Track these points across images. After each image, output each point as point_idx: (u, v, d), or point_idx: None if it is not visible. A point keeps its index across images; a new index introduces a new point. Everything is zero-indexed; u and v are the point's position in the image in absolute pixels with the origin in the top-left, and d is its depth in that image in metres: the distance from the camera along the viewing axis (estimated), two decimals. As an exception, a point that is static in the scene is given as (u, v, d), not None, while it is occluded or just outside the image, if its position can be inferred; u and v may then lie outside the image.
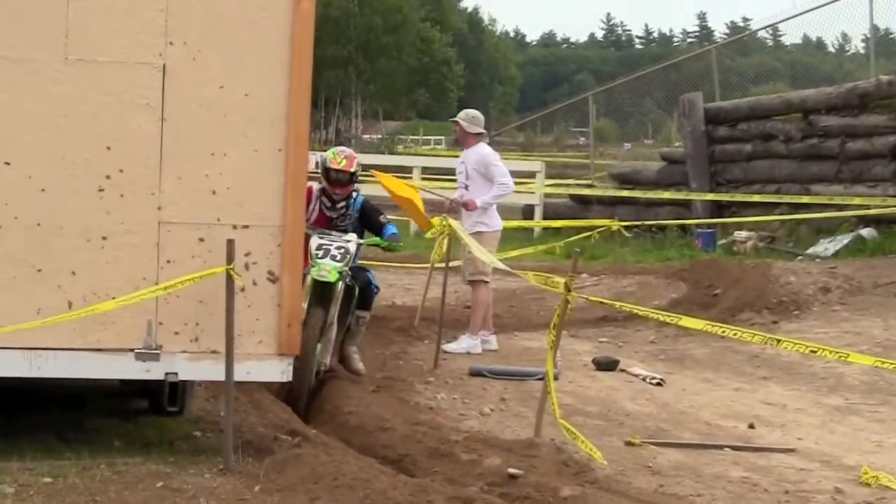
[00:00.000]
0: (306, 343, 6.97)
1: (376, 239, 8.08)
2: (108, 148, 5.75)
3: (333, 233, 7.76)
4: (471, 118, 9.73)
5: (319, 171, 8.01)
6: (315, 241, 7.55)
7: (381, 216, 8.19)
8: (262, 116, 5.88)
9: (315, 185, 7.89)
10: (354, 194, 8.03)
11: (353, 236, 7.78)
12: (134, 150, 5.78)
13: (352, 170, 7.88)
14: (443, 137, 51.37)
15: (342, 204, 7.97)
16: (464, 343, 9.44)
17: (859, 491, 5.99)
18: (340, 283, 7.45)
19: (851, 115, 15.82)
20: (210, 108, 5.84)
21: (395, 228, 8.13)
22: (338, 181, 7.90)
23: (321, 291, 7.39)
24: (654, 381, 8.67)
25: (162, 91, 5.79)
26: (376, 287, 8.11)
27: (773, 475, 6.28)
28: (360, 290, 7.80)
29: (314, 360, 7.28)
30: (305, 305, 7.11)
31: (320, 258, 7.45)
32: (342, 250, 7.56)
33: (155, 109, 5.79)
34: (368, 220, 8.11)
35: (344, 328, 7.84)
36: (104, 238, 5.73)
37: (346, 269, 7.50)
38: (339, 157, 7.97)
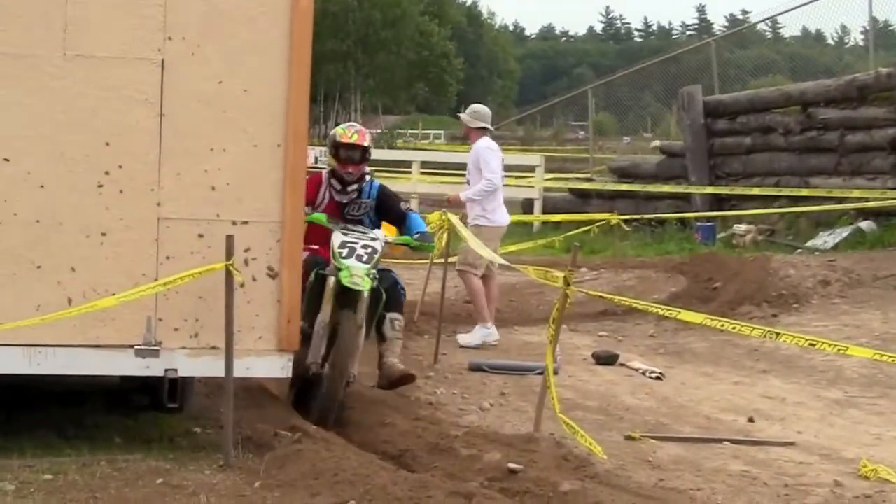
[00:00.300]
0: (342, 354, 6.52)
1: (406, 238, 7.25)
2: (107, 144, 5.74)
3: (358, 228, 7.04)
4: (472, 112, 9.80)
5: (327, 149, 7.36)
6: (338, 238, 6.82)
7: (402, 203, 7.45)
8: (261, 112, 5.87)
9: (324, 171, 7.34)
10: (368, 177, 7.32)
11: (379, 233, 7.05)
12: (133, 146, 5.77)
13: (365, 144, 7.19)
14: (442, 132, 51.41)
15: (354, 187, 7.23)
16: (478, 334, 9.46)
17: (858, 484, 6.00)
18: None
19: (850, 108, 15.81)
20: (209, 104, 5.83)
21: (422, 223, 7.42)
22: (349, 159, 7.17)
23: (346, 298, 6.64)
24: (654, 376, 8.67)
25: (161, 87, 5.78)
26: (402, 287, 7.27)
27: (773, 468, 6.28)
28: (387, 291, 6.97)
29: (348, 372, 6.61)
30: (328, 310, 6.62)
31: (344, 258, 6.68)
32: (369, 250, 6.77)
33: (154, 105, 5.78)
34: (386, 208, 7.34)
35: (369, 333, 7.02)
36: (103, 234, 5.72)
37: (374, 271, 6.75)
38: (350, 130, 7.27)
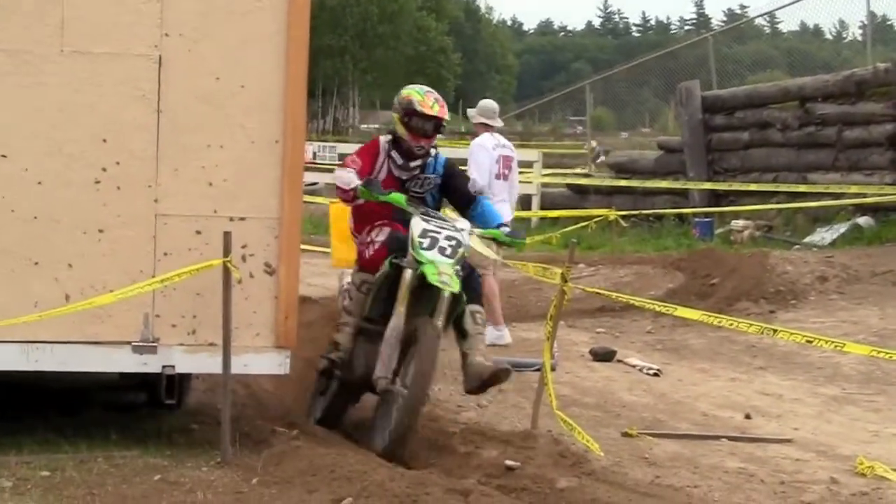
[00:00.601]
0: (422, 371, 5.63)
1: (495, 231, 6.26)
2: (105, 140, 5.74)
3: (440, 214, 6.18)
4: (476, 107, 9.77)
5: (396, 115, 6.34)
6: (419, 225, 5.92)
7: (471, 183, 6.51)
8: (258, 108, 5.87)
9: (382, 138, 6.45)
10: (433, 151, 6.37)
11: (465, 224, 6.13)
12: (130, 143, 5.77)
13: (446, 117, 6.31)
14: (440, 126, 51.27)
15: (417, 163, 6.31)
16: (490, 335, 9.44)
17: (855, 481, 6.01)
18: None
19: (849, 103, 15.83)
20: (206, 100, 5.83)
21: (497, 213, 6.45)
22: (422, 131, 6.23)
23: (424, 297, 5.83)
24: (651, 372, 8.68)
25: (158, 83, 5.78)
26: (478, 274, 6.41)
27: (770, 465, 6.29)
28: (464, 281, 5.98)
29: (428, 392, 5.79)
30: (403, 311, 5.80)
31: (425, 249, 5.82)
32: (453, 242, 5.88)
33: (151, 101, 5.78)
34: (451, 188, 6.37)
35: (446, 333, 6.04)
36: (101, 231, 5.72)
37: (458, 268, 5.89)
38: (429, 98, 6.27)
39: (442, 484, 5.08)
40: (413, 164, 6.31)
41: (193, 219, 5.81)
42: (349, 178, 6.22)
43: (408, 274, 5.86)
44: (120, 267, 5.72)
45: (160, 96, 5.78)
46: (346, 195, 6.27)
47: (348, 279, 6.53)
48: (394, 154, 6.34)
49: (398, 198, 6.11)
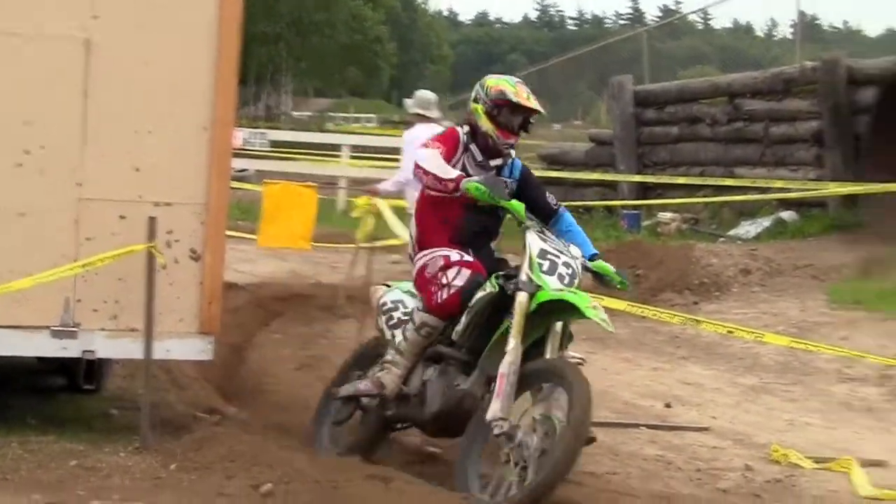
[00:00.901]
0: (581, 421, 4.79)
1: (605, 266, 5.40)
2: (29, 123, 5.67)
3: (553, 234, 5.35)
4: (413, 97, 9.52)
5: (478, 106, 5.45)
6: (536, 243, 5.16)
7: (549, 195, 5.64)
8: (187, 94, 5.83)
9: (459, 129, 5.55)
10: (513, 152, 5.57)
11: (577, 252, 5.33)
12: (55, 126, 5.70)
13: (542, 110, 5.53)
14: (374, 115, 51.28)
15: (498, 163, 5.48)
16: None
17: (769, 468, 6.16)
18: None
19: (776, 100, 16.12)
20: (134, 85, 5.78)
21: (584, 235, 5.61)
22: (510, 125, 5.42)
23: (534, 325, 5.07)
24: (575, 361, 8.76)
25: (85, 66, 5.72)
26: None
27: (687, 453, 6.43)
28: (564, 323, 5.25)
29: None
30: (519, 338, 4.99)
31: (545, 272, 5.06)
32: (570, 270, 5.14)
33: (78, 85, 5.72)
34: (529, 196, 5.44)
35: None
36: (21, 214, 5.64)
37: None
38: (521, 89, 5.46)
39: (363, 470, 5.11)
40: (493, 162, 5.47)
41: (118, 204, 5.76)
42: (444, 165, 5.29)
43: (524, 297, 5.01)
44: (41, 251, 5.65)
45: (87, 80, 5.72)
46: (443, 186, 5.25)
47: (389, 297, 5.66)
48: (473, 151, 5.47)
49: (518, 206, 5.25)
